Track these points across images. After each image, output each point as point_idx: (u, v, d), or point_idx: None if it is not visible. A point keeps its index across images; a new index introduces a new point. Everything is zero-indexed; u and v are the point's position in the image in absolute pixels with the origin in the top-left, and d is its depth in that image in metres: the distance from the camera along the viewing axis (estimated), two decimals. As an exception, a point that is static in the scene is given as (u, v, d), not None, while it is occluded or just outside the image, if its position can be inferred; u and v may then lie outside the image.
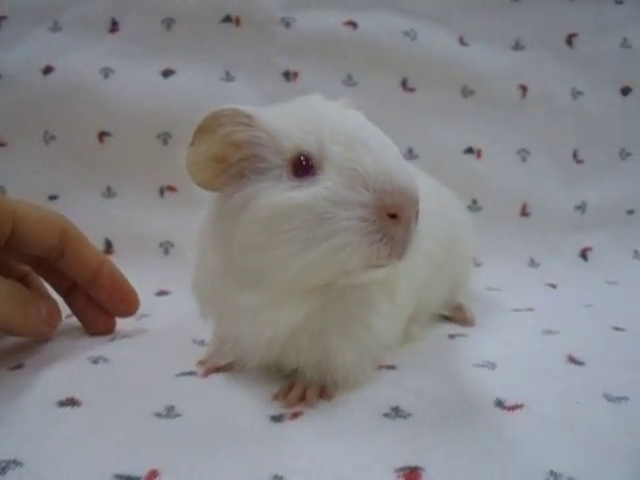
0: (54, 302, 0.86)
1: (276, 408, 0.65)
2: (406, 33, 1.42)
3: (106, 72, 1.34)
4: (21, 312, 0.73)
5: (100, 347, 0.82)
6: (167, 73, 1.36)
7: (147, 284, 1.17)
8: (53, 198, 1.32)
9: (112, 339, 0.86)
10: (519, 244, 1.40)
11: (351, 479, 0.52)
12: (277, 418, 0.63)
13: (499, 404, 0.65)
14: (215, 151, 0.62)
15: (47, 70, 1.33)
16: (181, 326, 0.93)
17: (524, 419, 0.62)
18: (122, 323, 0.93)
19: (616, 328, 0.91)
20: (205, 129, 0.62)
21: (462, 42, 1.47)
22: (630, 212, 1.49)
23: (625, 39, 1.54)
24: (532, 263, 1.38)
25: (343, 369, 0.68)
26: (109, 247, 1.28)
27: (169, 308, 1.05)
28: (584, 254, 1.42)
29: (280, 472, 0.52)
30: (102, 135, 1.32)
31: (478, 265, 1.28)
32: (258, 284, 0.62)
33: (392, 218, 0.57)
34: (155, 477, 0.52)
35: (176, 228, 1.28)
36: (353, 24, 1.40)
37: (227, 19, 1.39)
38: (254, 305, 0.64)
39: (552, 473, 0.51)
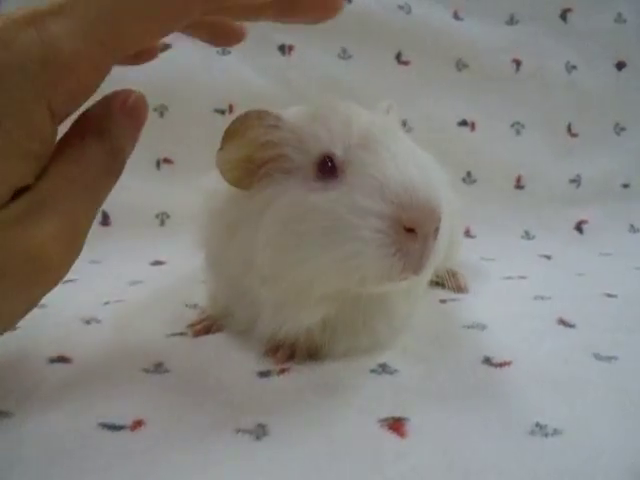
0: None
1: (264, 365, 0.65)
2: (400, 7, 1.42)
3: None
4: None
5: (93, 309, 0.83)
6: (163, 47, 1.35)
7: (143, 254, 1.19)
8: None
9: (106, 303, 0.87)
10: (513, 216, 1.41)
11: (334, 428, 0.52)
12: (265, 374, 0.63)
13: (487, 361, 0.66)
14: (244, 153, 0.61)
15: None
16: (174, 291, 0.94)
17: (511, 375, 0.63)
18: (116, 289, 0.94)
19: (608, 295, 0.92)
20: (233, 133, 0.61)
21: (456, 16, 1.48)
22: (625, 186, 1.50)
23: (619, 14, 1.55)
24: (527, 235, 1.39)
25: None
26: (106, 219, 1.28)
27: (163, 276, 1.06)
28: (579, 227, 1.43)
29: (264, 421, 0.53)
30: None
31: (472, 237, 1.29)
32: (278, 282, 0.61)
33: (408, 232, 0.55)
34: (140, 426, 0.53)
35: (172, 200, 1.30)
36: (348, -2, 1.41)
37: (222, -6, 1.38)
38: (274, 301, 0.63)
39: (538, 424, 0.52)
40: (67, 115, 0.50)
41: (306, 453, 0.49)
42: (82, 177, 0.51)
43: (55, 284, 0.52)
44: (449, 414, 0.55)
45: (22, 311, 0.51)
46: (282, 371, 0.64)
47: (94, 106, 0.56)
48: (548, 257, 1.23)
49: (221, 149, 0.61)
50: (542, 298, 0.91)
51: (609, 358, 0.66)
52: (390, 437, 0.51)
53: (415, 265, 0.56)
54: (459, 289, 0.97)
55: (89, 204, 0.53)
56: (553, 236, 1.38)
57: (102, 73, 0.50)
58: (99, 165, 0.53)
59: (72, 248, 0.52)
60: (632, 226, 1.44)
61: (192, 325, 0.77)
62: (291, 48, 1.39)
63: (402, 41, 1.43)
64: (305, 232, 0.58)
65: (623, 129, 1.53)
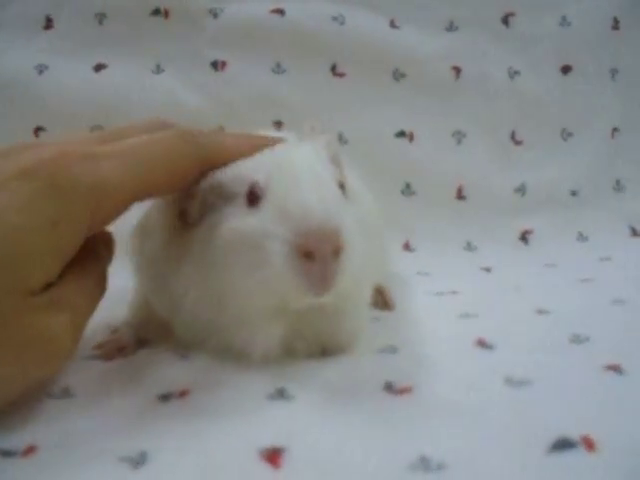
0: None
1: (165, 387, 0.65)
2: (334, 18, 1.40)
3: (40, 69, 1.32)
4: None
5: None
6: (99, 67, 1.35)
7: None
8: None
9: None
10: (455, 228, 1.38)
11: (212, 456, 0.51)
12: (165, 397, 0.63)
13: (388, 387, 0.63)
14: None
15: (-15, 69, 1.32)
16: (101, 313, 0.93)
17: (410, 403, 0.60)
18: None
19: (540, 311, 0.89)
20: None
21: (393, 25, 1.45)
22: (574, 193, 1.48)
23: (564, 17, 1.53)
24: (468, 247, 1.36)
25: None
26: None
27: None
28: (524, 237, 1.40)
29: (146, 448, 0.52)
30: (37, 130, 1.30)
31: (412, 250, 1.27)
32: (225, 305, 0.66)
33: (306, 256, 0.58)
34: (32, 452, 0.53)
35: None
36: (280, 11, 1.39)
37: (156, 12, 1.38)
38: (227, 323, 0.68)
39: (422, 458, 0.49)
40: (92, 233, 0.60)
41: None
42: (88, 285, 0.62)
43: (57, 369, 0.61)
44: (332, 445, 0.52)
45: (22, 388, 0.58)
46: (182, 394, 0.63)
47: (93, 235, 0.64)
48: (488, 270, 1.21)
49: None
50: (468, 316, 0.88)
51: (521, 383, 0.63)
52: (264, 468, 0.50)
53: (317, 286, 0.60)
54: (385, 306, 0.95)
55: (90, 307, 0.64)
56: (496, 247, 1.35)
57: (128, 207, 0.61)
58: (97, 280, 0.65)
59: (75, 339, 0.60)
60: (581, 234, 1.42)
61: (99, 346, 0.78)
62: (224, 64, 1.37)
63: (337, 53, 1.40)
64: (235, 255, 0.63)
65: (570, 135, 1.51)
